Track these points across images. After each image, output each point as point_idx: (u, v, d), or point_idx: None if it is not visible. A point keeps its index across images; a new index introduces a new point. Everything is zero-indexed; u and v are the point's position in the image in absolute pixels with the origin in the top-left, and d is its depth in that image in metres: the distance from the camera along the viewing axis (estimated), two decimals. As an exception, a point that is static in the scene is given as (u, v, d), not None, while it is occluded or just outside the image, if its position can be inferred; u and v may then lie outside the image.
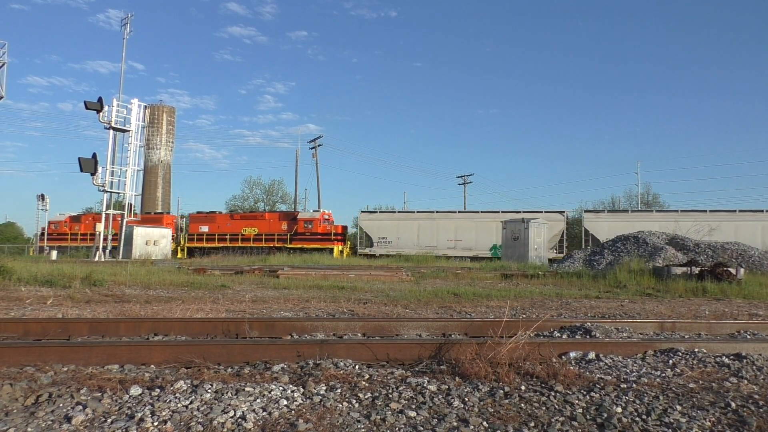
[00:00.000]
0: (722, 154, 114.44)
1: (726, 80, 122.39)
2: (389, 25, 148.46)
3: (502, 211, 34.93)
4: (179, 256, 36.13)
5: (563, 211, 33.14)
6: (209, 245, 37.45)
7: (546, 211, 33.96)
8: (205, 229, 38.41)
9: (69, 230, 41.83)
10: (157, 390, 3.52)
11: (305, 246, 35.23)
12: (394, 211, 38.23)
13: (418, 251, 33.53)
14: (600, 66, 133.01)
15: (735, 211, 30.96)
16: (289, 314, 8.00)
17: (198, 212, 40.49)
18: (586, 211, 33.42)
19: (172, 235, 37.45)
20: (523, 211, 34.67)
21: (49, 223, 43.10)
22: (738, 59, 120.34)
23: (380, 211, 38.61)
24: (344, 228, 38.24)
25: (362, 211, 38.72)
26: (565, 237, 32.62)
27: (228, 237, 37.45)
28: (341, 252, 35.39)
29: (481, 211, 36.07)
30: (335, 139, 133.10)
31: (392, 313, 8.34)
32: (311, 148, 52.34)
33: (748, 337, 6.30)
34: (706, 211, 31.11)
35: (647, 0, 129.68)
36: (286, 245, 35.63)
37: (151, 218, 39.84)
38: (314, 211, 38.57)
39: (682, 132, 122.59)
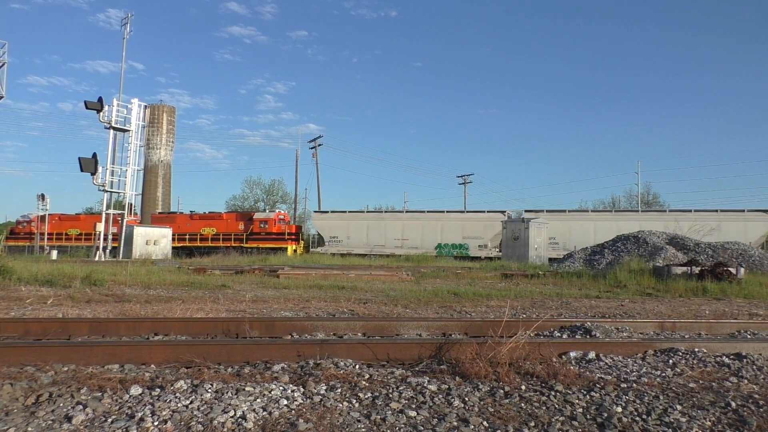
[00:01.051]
0: (722, 154, 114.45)
1: (726, 81, 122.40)
2: (389, 25, 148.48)
3: (447, 211, 36.51)
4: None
5: (504, 211, 34.66)
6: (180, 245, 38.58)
7: (488, 211, 35.50)
8: (155, 228, 39.40)
9: (36, 230, 41.97)
10: (158, 390, 3.52)
11: (260, 245, 36.13)
12: (345, 212, 39.34)
13: (367, 250, 34.70)
14: (600, 66, 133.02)
15: (691, 210, 31.89)
16: (290, 314, 8.00)
17: (160, 212, 41.55)
18: (526, 211, 34.79)
19: None
20: (464, 211, 36.04)
21: (17, 222, 43.41)
22: (738, 60, 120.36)
23: (332, 211, 39.63)
24: (298, 228, 39.40)
25: (315, 211, 39.79)
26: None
27: (187, 237, 38.14)
28: (295, 251, 36.36)
29: (427, 211, 37.32)
30: (335, 138, 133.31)
31: (392, 312, 8.34)
32: (311, 148, 52.45)
33: (749, 336, 6.30)
34: (637, 211, 32.26)
35: (647, 3, 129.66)
36: (242, 245, 36.51)
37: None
38: (269, 211, 39.70)
39: (682, 132, 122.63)
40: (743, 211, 29.95)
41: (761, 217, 29.14)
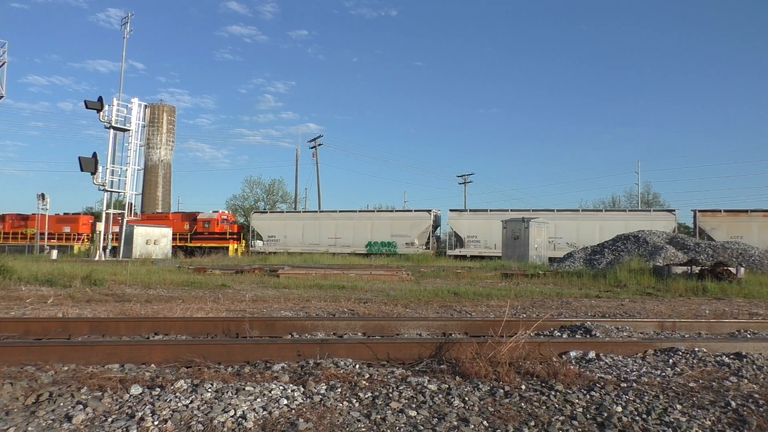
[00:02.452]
0: (722, 153, 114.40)
1: (726, 81, 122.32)
2: (389, 24, 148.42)
3: (377, 210, 37.85)
4: (101, 257, 37.52)
5: (430, 210, 35.60)
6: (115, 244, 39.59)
7: (415, 210, 36.76)
8: (115, 229, 40.29)
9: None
10: (158, 389, 3.52)
11: (203, 245, 37.37)
12: (282, 212, 40.84)
13: (303, 249, 35.74)
14: (601, 66, 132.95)
15: (602, 210, 33.36)
16: (290, 313, 8.00)
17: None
18: (451, 210, 35.90)
19: (88, 236, 40.05)
20: (392, 210, 37.06)
21: None
22: (738, 60, 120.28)
23: (270, 211, 41.15)
24: (240, 227, 40.57)
25: (254, 212, 40.91)
26: (431, 234, 35.10)
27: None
28: (236, 250, 37.41)
29: (358, 211, 38.73)
30: (336, 138, 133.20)
31: (392, 312, 8.34)
32: (311, 148, 52.39)
33: (749, 336, 6.30)
34: (553, 210, 34.07)
35: (647, 3, 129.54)
36: (186, 244, 37.67)
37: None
38: (213, 212, 40.60)
39: (682, 132, 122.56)
40: (649, 211, 31.72)
41: (665, 216, 30.58)
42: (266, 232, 38.41)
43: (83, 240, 40.65)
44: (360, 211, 38.49)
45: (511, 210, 34.81)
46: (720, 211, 30.34)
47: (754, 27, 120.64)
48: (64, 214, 44.38)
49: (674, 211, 31.10)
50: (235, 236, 38.31)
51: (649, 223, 29.45)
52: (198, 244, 37.48)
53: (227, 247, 36.79)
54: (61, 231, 41.39)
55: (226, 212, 40.50)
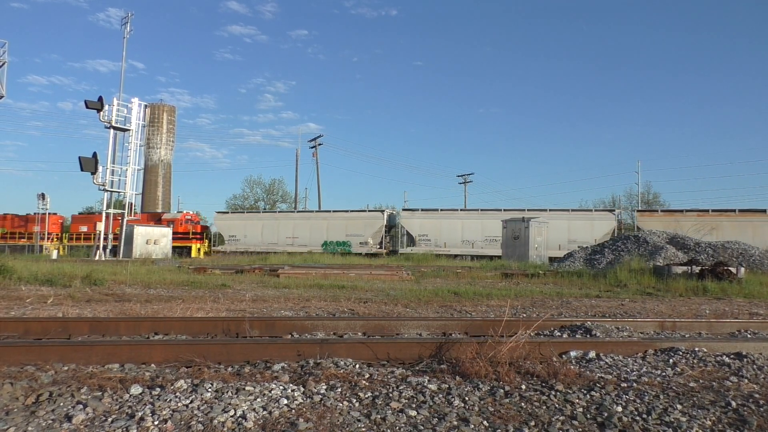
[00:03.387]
0: (723, 153, 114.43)
1: (726, 81, 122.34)
2: (389, 24, 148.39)
3: (333, 211, 38.89)
4: (61, 253, 38.46)
5: (383, 210, 37.23)
6: (86, 243, 40.13)
7: (369, 210, 38.33)
8: (84, 228, 41.48)
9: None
10: (158, 389, 3.52)
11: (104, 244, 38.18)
12: (243, 212, 41.71)
13: (262, 248, 36.57)
14: (601, 66, 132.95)
15: (546, 210, 34.28)
16: (290, 313, 8.00)
17: (80, 213, 44.22)
18: (403, 210, 36.97)
19: (56, 235, 41.13)
20: (347, 211, 38.48)
21: None
22: (738, 60, 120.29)
23: (231, 212, 41.87)
24: (204, 227, 41.62)
25: (216, 212, 42.07)
26: (384, 233, 36.05)
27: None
28: (199, 250, 38.31)
29: (315, 211, 39.95)
30: (336, 138, 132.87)
31: (392, 312, 8.34)
32: (311, 147, 52.44)
33: (749, 336, 6.30)
34: (500, 210, 34.97)
35: (648, 3, 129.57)
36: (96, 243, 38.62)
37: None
38: (177, 212, 41.94)
39: (683, 132, 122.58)
40: (591, 210, 32.90)
41: (606, 216, 31.67)
42: (227, 232, 39.36)
43: (52, 239, 41.43)
44: (317, 211, 39.57)
45: (461, 210, 36.46)
46: (657, 210, 32.02)
47: (754, 26, 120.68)
48: (34, 213, 45.17)
49: (614, 210, 32.27)
50: (198, 236, 39.20)
51: (589, 223, 31.08)
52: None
53: (190, 247, 37.67)
54: (31, 231, 42.31)
55: (191, 213, 41.59)
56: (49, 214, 43.96)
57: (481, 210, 35.13)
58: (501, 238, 30.72)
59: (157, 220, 40.15)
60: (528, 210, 34.19)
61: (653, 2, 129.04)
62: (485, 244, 32.94)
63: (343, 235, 36.14)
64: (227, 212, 42.39)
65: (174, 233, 37.92)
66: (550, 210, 33.21)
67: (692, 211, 30.95)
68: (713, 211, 30.69)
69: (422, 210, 36.31)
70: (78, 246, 40.32)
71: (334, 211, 38.71)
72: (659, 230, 21.93)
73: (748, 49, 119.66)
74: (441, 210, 35.95)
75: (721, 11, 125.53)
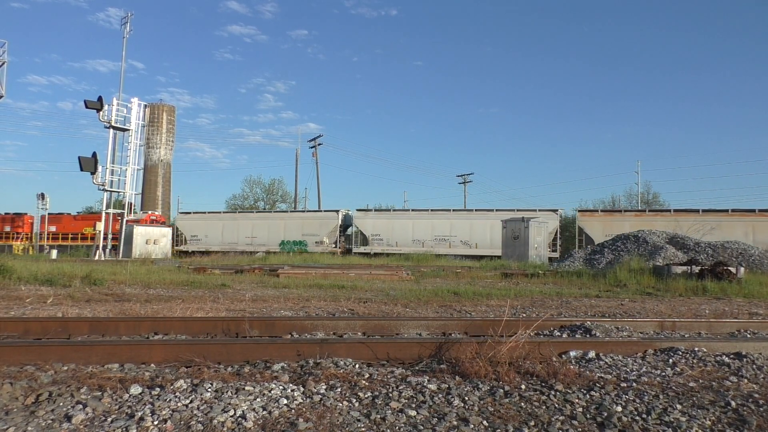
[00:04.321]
0: (722, 153, 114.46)
1: (726, 81, 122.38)
2: (389, 24, 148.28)
3: (290, 211, 39.98)
4: (30, 253, 39.13)
5: (338, 210, 37.88)
6: (55, 243, 40.70)
7: (324, 210, 39.44)
8: (53, 228, 42.05)
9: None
10: (158, 389, 3.52)
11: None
12: (204, 212, 42.54)
13: (221, 248, 38.05)
14: (600, 66, 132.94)
15: (472, 210, 35.77)
16: (290, 313, 8.00)
17: (49, 213, 44.68)
18: (357, 210, 37.90)
19: (27, 234, 42.14)
20: (304, 211, 39.47)
21: None
22: (737, 60, 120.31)
23: (194, 212, 42.71)
24: (169, 228, 43.05)
25: (179, 212, 43.86)
26: (339, 232, 37.02)
27: (70, 236, 41.29)
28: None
29: (273, 211, 41.13)
30: (335, 138, 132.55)
31: (392, 312, 8.34)
32: (311, 147, 52.44)
33: (748, 336, 6.31)
34: (450, 209, 36.54)
35: (648, 3, 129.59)
36: (117, 243, 40.05)
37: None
38: (143, 212, 42.51)
39: (683, 132, 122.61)
40: (535, 210, 33.39)
41: (550, 216, 32.18)
42: (189, 232, 40.32)
43: (23, 239, 42.19)
44: (275, 211, 40.85)
45: (412, 210, 37.43)
46: (597, 211, 33.20)
47: (754, 26, 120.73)
48: (5, 213, 45.88)
49: (557, 210, 33.13)
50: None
51: (536, 222, 31.48)
52: (106, 243, 39.47)
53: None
54: (1, 230, 43.10)
55: (157, 213, 42.64)
56: (20, 214, 44.98)
57: (431, 210, 36.43)
58: (448, 237, 33.38)
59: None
60: (476, 210, 35.63)
61: (653, 2, 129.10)
62: (435, 244, 33.89)
63: (300, 235, 37.18)
64: (189, 213, 43.77)
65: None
66: (497, 210, 34.34)
67: (630, 211, 32.38)
68: (650, 211, 32.16)
69: (375, 210, 37.62)
70: (45, 245, 41.77)
71: (291, 212, 40.17)
72: (659, 230, 21.93)
73: (748, 49, 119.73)
74: (393, 210, 37.59)
75: (720, 11, 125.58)
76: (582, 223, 32.05)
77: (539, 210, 33.69)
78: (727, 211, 30.23)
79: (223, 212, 43.08)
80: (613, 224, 30.64)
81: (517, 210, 33.71)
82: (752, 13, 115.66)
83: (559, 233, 32.07)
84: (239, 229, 38.51)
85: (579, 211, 32.55)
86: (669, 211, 31.80)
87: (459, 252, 32.66)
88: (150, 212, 41.91)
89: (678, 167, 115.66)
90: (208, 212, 42.79)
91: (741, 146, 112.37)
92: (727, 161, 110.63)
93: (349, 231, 38.13)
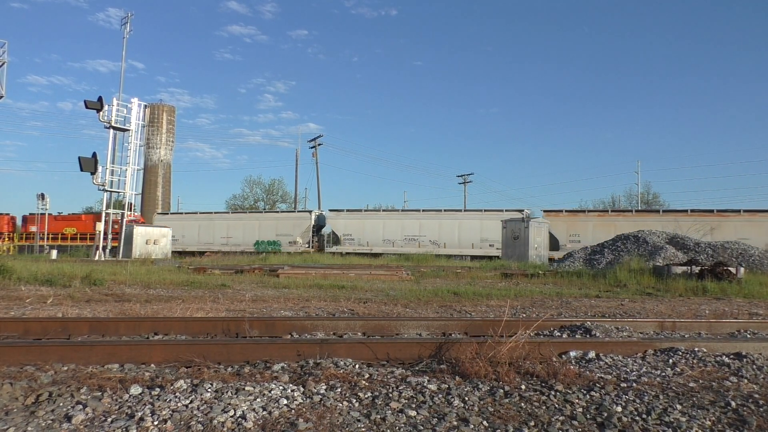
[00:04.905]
0: (722, 154, 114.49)
1: (725, 82, 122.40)
2: (390, 24, 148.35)
3: (264, 211, 41.49)
4: (11, 252, 39.62)
5: (311, 211, 39.50)
6: (33, 243, 41.79)
7: (298, 211, 40.68)
8: (33, 228, 42.83)
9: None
10: (158, 389, 3.52)
11: (113, 245, 40.12)
12: (181, 213, 43.98)
13: (198, 248, 39.20)
14: (601, 67, 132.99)
15: (440, 210, 36.43)
16: (290, 313, 8.00)
17: (30, 214, 45.50)
18: (330, 210, 39.22)
19: (8, 234, 43.15)
20: (278, 211, 40.26)
21: None
22: (736, 61, 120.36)
23: (171, 213, 44.21)
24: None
25: (157, 213, 44.79)
26: (312, 232, 37.93)
27: (50, 236, 42.00)
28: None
29: (248, 212, 42.21)
30: (335, 138, 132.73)
31: (392, 312, 8.34)
32: (311, 148, 52.47)
33: (749, 336, 6.30)
34: (419, 209, 37.37)
35: (647, 6, 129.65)
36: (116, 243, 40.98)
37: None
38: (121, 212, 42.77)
39: (682, 132, 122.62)
40: (501, 210, 34.54)
41: (515, 215, 32.74)
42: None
43: (5, 239, 42.81)
44: (250, 212, 41.81)
45: (382, 211, 38.42)
46: (562, 211, 33.71)
47: (752, 28, 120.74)
48: None
49: (523, 210, 33.97)
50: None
51: (498, 223, 32.16)
52: (105, 243, 39.79)
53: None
54: None
55: (136, 215, 43.73)
56: (0, 214, 45.52)
57: (401, 210, 37.53)
58: (417, 237, 34.18)
59: (100, 220, 41.45)
60: (445, 211, 36.35)
61: (653, 5, 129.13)
62: (404, 243, 34.83)
63: (274, 235, 37.85)
64: (167, 213, 44.80)
65: (116, 233, 39.76)
66: (465, 210, 35.54)
67: (593, 211, 33.52)
68: (612, 211, 33.05)
69: (347, 211, 38.12)
70: (27, 246, 42.32)
71: (265, 212, 41.31)
72: (658, 230, 21.93)
73: (747, 50, 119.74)
74: (364, 211, 38.24)
75: (719, 14, 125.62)
76: (548, 223, 33.03)
77: (505, 210, 34.75)
78: (686, 211, 31.44)
79: (200, 213, 44.50)
80: (577, 224, 31.74)
81: (485, 210, 34.82)
82: (750, 16, 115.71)
83: None
84: (215, 229, 39.25)
85: (544, 211, 33.53)
86: (631, 211, 33.09)
87: (429, 251, 33.20)
88: (129, 213, 42.47)
89: (678, 167, 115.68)
90: (185, 213, 43.97)
91: (741, 146, 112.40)
92: (726, 162, 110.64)
93: (323, 231, 38.85)
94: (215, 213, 42.48)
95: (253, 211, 43.11)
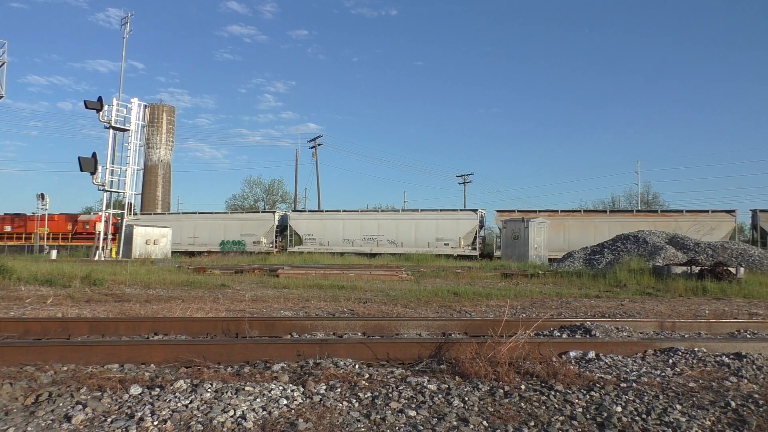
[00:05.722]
0: (722, 154, 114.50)
1: (724, 82, 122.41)
2: (390, 23, 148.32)
3: (230, 212, 42.11)
4: None
5: (275, 211, 40.16)
6: (9, 243, 42.83)
7: (262, 211, 41.50)
8: (8, 228, 44.04)
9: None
10: (157, 389, 3.52)
11: (81, 244, 41.28)
12: (150, 213, 45.03)
13: None
14: (601, 67, 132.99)
15: (398, 210, 37.86)
16: (289, 313, 8.00)
17: (5, 214, 46.56)
18: (293, 211, 40.01)
19: None
20: (243, 212, 40.94)
21: None
22: (736, 62, 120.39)
23: (141, 214, 44.60)
24: (116, 229, 44.90)
25: (129, 216, 44.87)
26: (276, 232, 38.40)
27: (24, 235, 43.34)
28: (110, 249, 40.89)
29: (214, 212, 43.43)
30: (335, 138, 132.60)
31: (392, 312, 8.34)
32: (311, 148, 52.46)
33: (748, 336, 6.31)
34: (377, 211, 39.25)
35: (647, 8, 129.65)
36: (68, 243, 41.88)
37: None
38: (93, 213, 45.01)
39: (682, 132, 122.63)
40: (456, 210, 35.50)
41: (470, 215, 34.33)
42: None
43: None
44: (216, 212, 42.83)
45: (343, 211, 38.70)
46: (514, 211, 34.41)
47: (751, 30, 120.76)
48: None
49: (477, 210, 34.63)
50: (111, 236, 41.52)
51: (455, 222, 33.79)
52: (77, 243, 41.54)
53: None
54: None
55: (99, 214, 44.08)
56: None
57: (361, 211, 38.18)
58: (376, 236, 34.98)
59: (74, 221, 42.91)
60: (402, 210, 37.23)
61: (653, 5, 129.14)
62: (363, 243, 35.45)
63: (239, 235, 38.49)
64: (136, 214, 45.90)
65: (88, 233, 40.76)
66: (422, 210, 36.09)
67: (544, 211, 34.24)
68: (562, 211, 34.11)
69: (309, 211, 39.17)
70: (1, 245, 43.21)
71: (231, 212, 42.22)
72: (658, 231, 21.94)
73: (747, 50, 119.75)
74: (325, 211, 38.98)
75: (719, 14, 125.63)
76: (500, 222, 33.55)
77: (461, 210, 35.76)
78: (631, 211, 33.53)
79: (168, 213, 45.21)
80: (523, 225, 32.11)
81: (441, 210, 35.44)
82: (749, 18, 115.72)
83: (478, 232, 34.00)
84: (183, 229, 39.53)
85: (498, 211, 34.42)
86: (579, 211, 34.73)
87: (387, 251, 34.31)
88: (98, 214, 43.55)
89: (678, 168, 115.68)
90: (153, 213, 45.07)
91: (741, 147, 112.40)
92: (726, 162, 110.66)
93: (287, 231, 39.60)
94: (183, 213, 43.39)
95: (220, 212, 44.43)
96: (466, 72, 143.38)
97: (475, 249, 33.10)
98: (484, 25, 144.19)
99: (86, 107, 29.57)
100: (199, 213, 42.39)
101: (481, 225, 34.55)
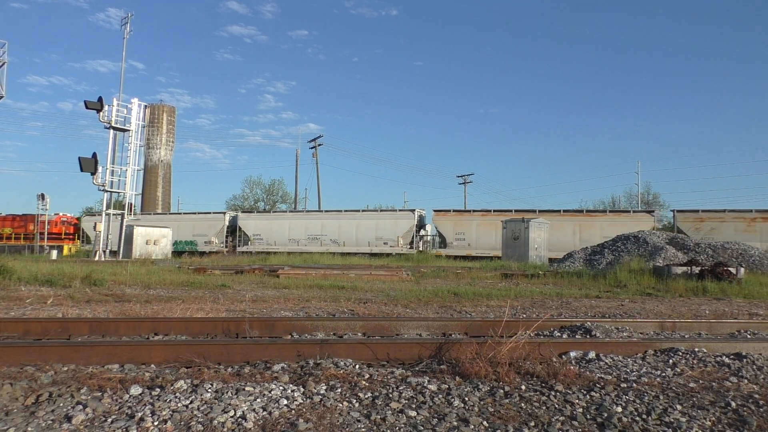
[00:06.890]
0: (722, 154, 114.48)
1: (725, 83, 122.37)
2: (390, 24, 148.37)
3: (183, 213, 43.67)
4: None
5: (225, 212, 40.91)
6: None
7: (213, 212, 42.06)
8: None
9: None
10: (158, 389, 3.52)
11: (42, 243, 41.89)
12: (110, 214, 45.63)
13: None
14: (601, 67, 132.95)
15: (341, 210, 37.94)
16: (290, 314, 8.00)
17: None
18: (242, 212, 40.96)
19: None
20: (195, 213, 41.96)
21: None
22: (736, 63, 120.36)
23: (97, 214, 46.19)
24: (76, 228, 45.72)
25: (85, 215, 47.18)
26: (226, 233, 39.52)
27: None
28: (70, 249, 41.66)
29: (168, 213, 44.55)
30: (336, 138, 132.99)
31: (392, 312, 8.34)
32: (311, 148, 52.49)
33: (749, 336, 6.30)
34: (321, 211, 39.30)
35: (647, 8, 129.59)
36: (30, 242, 42.47)
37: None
38: (55, 214, 45.43)
39: (682, 133, 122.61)
40: (395, 210, 36.79)
41: (407, 215, 35.33)
42: (93, 233, 42.15)
43: None
44: (169, 213, 44.02)
45: (289, 212, 39.60)
46: (450, 211, 35.00)
47: (752, 30, 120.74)
48: None
49: (414, 210, 35.40)
50: (70, 236, 43.77)
51: (393, 222, 34.87)
52: (40, 243, 42.14)
53: (62, 246, 40.66)
54: None
55: (68, 215, 45.53)
56: None
57: (306, 211, 39.58)
58: (319, 236, 35.73)
59: (33, 221, 43.56)
60: (345, 211, 37.69)
61: (653, 5, 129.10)
62: (308, 242, 36.50)
63: (191, 235, 39.53)
64: (93, 215, 46.50)
65: (49, 233, 41.71)
66: (363, 211, 37.08)
67: (477, 211, 35.08)
68: (495, 211, 34.86)
69: (257, 212, 39.97)
70: None
71: (184, 213, 43.39)
72: (657, 231, 21.96)
73: (747, 50, 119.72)
74: (273, 212, 40.43)
75: (719, 14, 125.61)
76: (437, 222, 34.60)
77: (399, 210, 36.65)
78: (559, 211, 33.12)
79: (141, 215, 46.40)
80: (462, 223, 33.69)
81: (381, 210, 36.30)
82: (749, 18, 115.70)
83: (416, 232, 34.96)
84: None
85: (435, 211, 34.94)
86: (511, 211, 35.14)
87: (330, 250, 34.79)
88: (61, 214, 44.80)
89: (678, 167, 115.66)
90: (106, 213, 45.56)
91: (741, 147, 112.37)
92: (726, 162, 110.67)
93: (238, 232, 40.33)
94: (140, 214, 44.16)
95: (173, 213, 45.73)
96: (466, 72, 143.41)
97: (412, 248, 34.04)
98: (484, 25, 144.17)
99: (86, 107, 29.55)
100: (153, 213, 43.55)
101: (420, 225, 35.41)
